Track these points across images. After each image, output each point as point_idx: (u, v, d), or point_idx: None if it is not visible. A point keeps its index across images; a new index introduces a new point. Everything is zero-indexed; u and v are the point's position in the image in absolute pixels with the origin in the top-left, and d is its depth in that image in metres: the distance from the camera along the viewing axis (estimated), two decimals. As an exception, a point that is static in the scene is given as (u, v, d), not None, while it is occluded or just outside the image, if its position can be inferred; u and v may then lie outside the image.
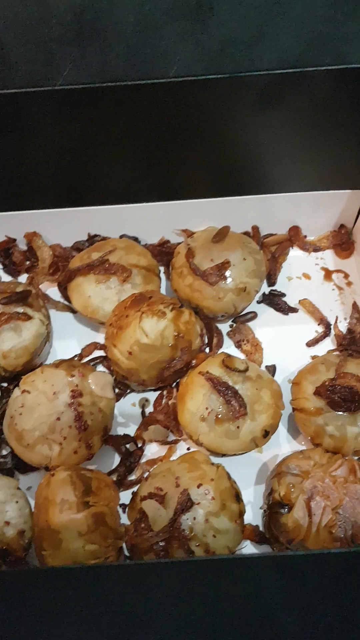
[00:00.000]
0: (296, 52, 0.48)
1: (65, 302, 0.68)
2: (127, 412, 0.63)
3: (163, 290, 0.68)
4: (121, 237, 0.70)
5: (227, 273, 0.62)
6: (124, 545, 0.53)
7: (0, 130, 0.53)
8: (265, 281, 0.69)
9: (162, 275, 0.69)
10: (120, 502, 0.56)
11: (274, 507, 0.53)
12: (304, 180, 0.65)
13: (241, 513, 0.53)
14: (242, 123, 0.54)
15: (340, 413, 0.55)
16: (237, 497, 0.53)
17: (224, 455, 0.58)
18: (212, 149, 0.60)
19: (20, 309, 0.60)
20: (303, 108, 0.52)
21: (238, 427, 0.55)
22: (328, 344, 0.66)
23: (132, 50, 0.46)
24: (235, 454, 0.57)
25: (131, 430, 0.62)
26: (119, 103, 0.51)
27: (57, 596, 0.36)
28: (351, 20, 0.48)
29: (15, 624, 0.35)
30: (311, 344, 0.66)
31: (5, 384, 0.63)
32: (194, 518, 0.51)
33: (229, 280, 0.62)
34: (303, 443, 0.61)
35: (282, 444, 0.61)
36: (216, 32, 0.47)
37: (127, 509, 0.56)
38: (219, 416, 0.55)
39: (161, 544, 0.50)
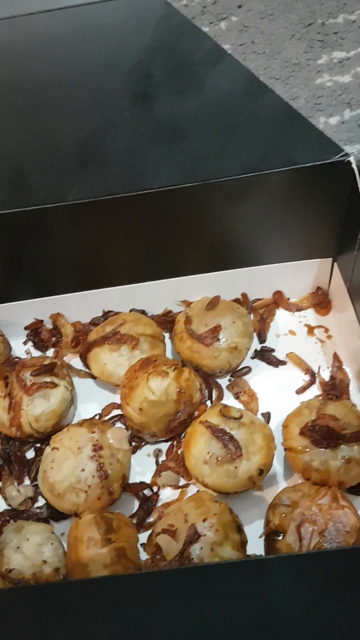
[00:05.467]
0: (254, 160, 0.60)
1: (86, 370, 0.79)
2: (143, 462, 0.73)
3: (169, 353, 0.79)
4: (130, 311, 0.82)
5: (220, 335, 0.73)
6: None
7: (28, 236, 0.67)
8: (256, 339, 0.79)
9: (168, 341, 0.81)
10: (141, 542, 0.65)
11: (270, 535, 0.61)
12: (282, 253, 0.77)
13: (243, 543, 0.61)
14: (219, 215, 0.66)
15: (323, 449, 0.64)
16: (239, 529, 0.62)
17: (227, 493, 0.66)
18: (200, 236, 0.72)
19: (48, 379, 0.72)
20: (266, 200, 0.64)
21: (236, 467, 0.64)
22: (314, 390, 0.75)
23: (125, 170, 0.59)
24: (237, 492, 0.66)
25: (147, 478, 0.71)
26: (120, 209, 0.64)
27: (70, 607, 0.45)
28: (296, 130, 0.61)
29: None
30: (300, 391, 0.75)
31: (38, 445, 0.74)
32: (201, 548, 0.59)
33: (222, 341, 0.73)
34: (299, 480, 0.70)
35: (280, 482, 0.70)
36: (189, 150, 0.59)
37: (145, 546, 0.65)
38: (219, 459, 0.64)
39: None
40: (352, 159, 0.62)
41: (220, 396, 0.76)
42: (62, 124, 0.59)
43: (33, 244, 0.67)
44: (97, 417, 0.76)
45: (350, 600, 0.46)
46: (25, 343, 0.82)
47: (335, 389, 0.72)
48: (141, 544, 0.65)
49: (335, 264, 0.78)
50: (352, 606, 0.46)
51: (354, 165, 0.64)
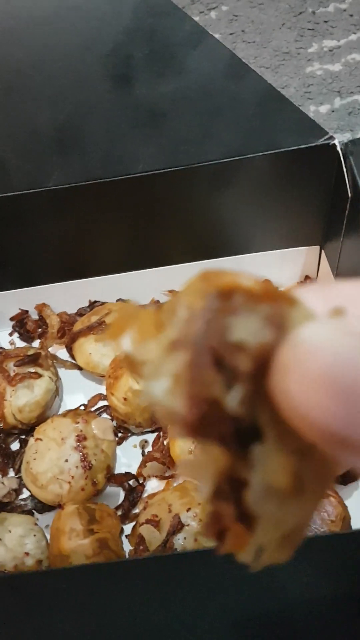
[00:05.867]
0: (237, 144, 0.59)
1: (72, 361, 0.78)
2: (129, 453, 0.72)
3: (156, 344, 0.78)
4: (117, 301, 0.81)
5: (206, 325, 0.72)
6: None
7: (7, 225, 0.66)
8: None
9: (155, 331, 0.79)
10: (127, 533, 0.64)
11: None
12: (269, 241, 0.76)
13: (228, 532, 0.60)
14: (203, 201, 0.65)
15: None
16: (224, 519, 0.61)
17: (213, 484, 0.65)
18: (185, 223, 0.71)
19: (32, 369, 0.71)
20: (250, 186, 0.63)
21: (221, 457, 0.63)
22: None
23: (105, 155, 0.58)
24: (222, 482, 0.65)
25: (133, 469, 0.70)
26: (102, 195, 0.63)
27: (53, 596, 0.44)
28: (279, 114, 0.60)
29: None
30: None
31: (22, 436, 0.73)
32: (184, 538, 0.58)
33: (208, 330, 0.72)
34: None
35: (267, 472, 0.69)
36: (171, 134, 0.58)
37: (129, 537, 0.64)
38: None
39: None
40: (336, 142, 0.61)
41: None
42: (39, 108, 0.58)
43: (14, 232, 0.66)
44: (82, 409, 0.75)
45: (334, 585, 0.46)
46: (10, 334, 0.81)
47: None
48: (126, 536, 0.64)
49: (323, 252, 0.76)
50: (336, 590, 0.46)
51: (339, 149, 0.63)
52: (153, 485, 0.69)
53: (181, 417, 0.20)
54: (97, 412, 0.74)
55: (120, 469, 0.70)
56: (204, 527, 0.22)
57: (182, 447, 0.65)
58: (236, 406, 0.20)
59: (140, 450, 0.72)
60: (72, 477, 0.64)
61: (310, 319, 0.20)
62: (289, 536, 0.22)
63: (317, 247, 0.76)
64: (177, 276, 0.79)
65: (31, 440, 0.67)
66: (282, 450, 0.20)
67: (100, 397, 0.76)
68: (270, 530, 0.21)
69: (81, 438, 0.65)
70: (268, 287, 0.21)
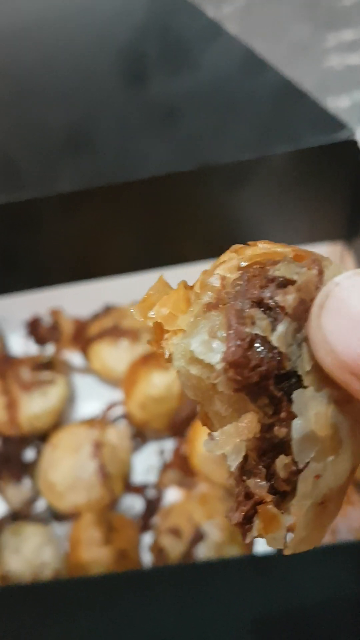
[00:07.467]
0: (255, 141, 0.57)
1: (87, 366, 0.76)
2: (147, 461, 0.70)
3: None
4: (132, 304, 0.79)
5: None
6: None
7: (22, 227, 0.64)
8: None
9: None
10: (145, 542, 0.63)
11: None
12: (288, 239, 0.74)
13: (251, 542, 0.59)
14: (219, 200, 0.63)
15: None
16: (246, 528, 0.59)
17: (234, 491, 0.64)
18: (201, 222, 0.69)
19: (47, 375, 0.70)
20: (269, 183, 0.61)
21: (242, 464, 0.62)
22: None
23: (119, 155, 0.57)
24: (243, 490, 0.63)
25: (151, 477, 0.69)
26: (116, 198, 0.61)
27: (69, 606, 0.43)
28: (297, 109, 0.58)
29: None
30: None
31: (37, 443, 0.71)
32: (207, 548, 0.57)
33: (226, 333, 0.70)
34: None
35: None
36: (186, 133, 0.57)
37: (150, 547, 0.62)
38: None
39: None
40: (357, 137, 0.58)
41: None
42: (50, 109, 0.57)
43: (28, 236, 0.65)
44: (98, 414, 0.73)
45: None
46: (24, 338, 0.80)
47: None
48: (148, 546, 0.63)
49: (347, 251, 0.74)
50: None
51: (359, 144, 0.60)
52: (172, 494, 0.67)
53: (222, 360, 0.20)
54: (113, 418, 0.73)
55: (137, 476, 0.69)
56: (231, 510, 0.22)
57: (202, 453, 0.63)
58: (280, 341, 0.20)
59: (158, 458, 0.70)
60: (90, 485, 0.62)
61: (344, 271, 0.21)
62: (323, 506, 0.21)
63: (340, 246, 0.74)
64: (193, 277, 0.77)
65: (47, 448, 0.66)
66: (321, 399, 0.20)
67: (115, 402, 0.74)
68: (308, 491, 0.20)
69: (98, 446, 0.64)
70: (301, 250, 0.22)
